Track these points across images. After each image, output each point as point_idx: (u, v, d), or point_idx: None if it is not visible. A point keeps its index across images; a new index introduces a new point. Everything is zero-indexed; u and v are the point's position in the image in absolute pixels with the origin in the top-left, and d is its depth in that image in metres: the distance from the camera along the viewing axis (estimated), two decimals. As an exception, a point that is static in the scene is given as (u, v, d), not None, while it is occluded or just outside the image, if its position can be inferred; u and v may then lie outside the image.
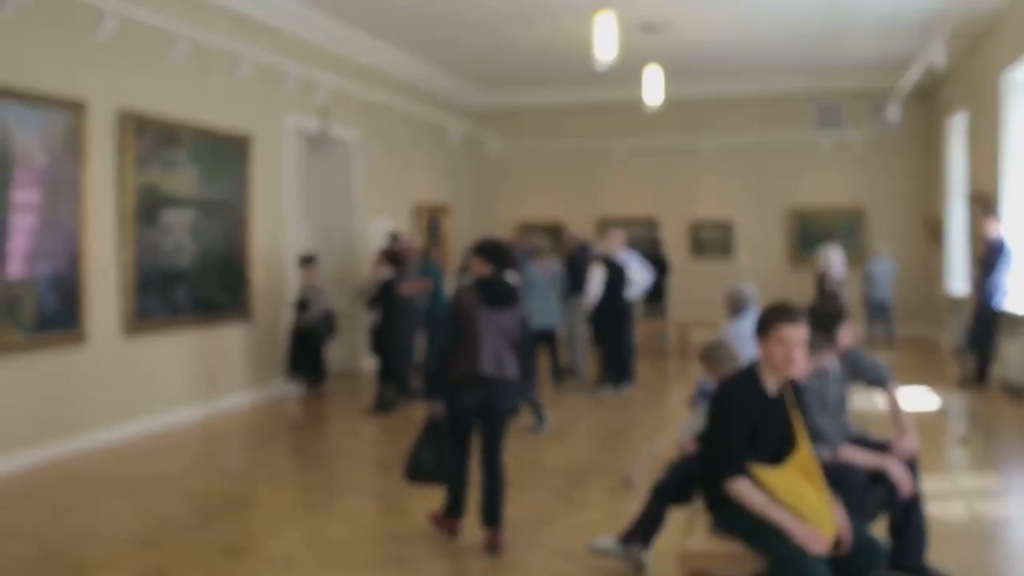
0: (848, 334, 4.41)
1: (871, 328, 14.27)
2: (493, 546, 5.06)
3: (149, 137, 8.26)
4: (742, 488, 3.58)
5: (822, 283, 11.70)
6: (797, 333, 3.60)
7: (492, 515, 5.12)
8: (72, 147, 7.41)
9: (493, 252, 5.29)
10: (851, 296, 13.91)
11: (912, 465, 4.38)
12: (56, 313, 7.28)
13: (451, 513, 5.33)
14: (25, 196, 6.97)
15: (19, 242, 6.92)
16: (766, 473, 3.59)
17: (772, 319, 3.66)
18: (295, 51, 10.50)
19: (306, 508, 5.95)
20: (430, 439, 5.15)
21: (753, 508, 3.55)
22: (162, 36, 8.39)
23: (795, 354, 3.60)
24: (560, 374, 10.76)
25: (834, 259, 12.77)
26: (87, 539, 5.42)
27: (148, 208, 8.26)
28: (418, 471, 5.17)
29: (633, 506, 5.06)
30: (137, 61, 8.18)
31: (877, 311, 14.20)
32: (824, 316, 4.34)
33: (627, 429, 8.44)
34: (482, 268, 5.25)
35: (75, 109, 7.43)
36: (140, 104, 8.19)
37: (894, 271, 14.17)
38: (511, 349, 5.16)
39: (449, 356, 5.09)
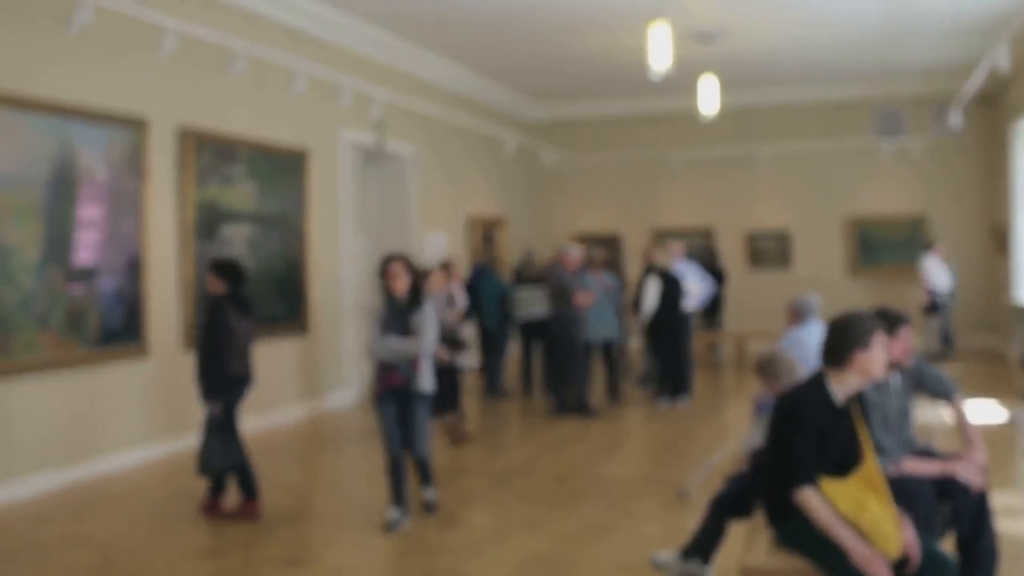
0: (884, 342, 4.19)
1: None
2: (256, 513, 5.98)
3: (208, 153, 8.40)
4: (811, 499, 3.48)
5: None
6: None
7: (254, 488, 6.03)
8: (134, 164, 7.56)
9: (227, 270, 6.05)
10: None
11: (981, 479, 4.25)
12: (119, 327, 7.43)
13: (251, 495, 6.02)
14: (89, 212, 7.13)
15: (83, 257, 7.08)
16: (830, 485, 3.51)
17: None
18: (350, 65, 10.61)
19: (361, 520, 5.96)
20: (217, 434, 5.90)
21: (818, 521, 3.47)
22: (220, 53, 8.54)
23: None
24: (617, 388, 10.61)
25: (925, 266, 12.64)
26: (148, 549, 5.50)
27: (207, 223, 8.39)
28: (211, 464, 5.91)
29: (690, 519, 4.99)
30: (196, 78, 8.34)
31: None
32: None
33: (683, 441, 8.33)
34: (217, 285, 5.99)
35: (136, 126, 7.59)
36: (199, 120, 8.34)
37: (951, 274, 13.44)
38: (252, 349, 6.14)
39: (225, 360, 5.85)
